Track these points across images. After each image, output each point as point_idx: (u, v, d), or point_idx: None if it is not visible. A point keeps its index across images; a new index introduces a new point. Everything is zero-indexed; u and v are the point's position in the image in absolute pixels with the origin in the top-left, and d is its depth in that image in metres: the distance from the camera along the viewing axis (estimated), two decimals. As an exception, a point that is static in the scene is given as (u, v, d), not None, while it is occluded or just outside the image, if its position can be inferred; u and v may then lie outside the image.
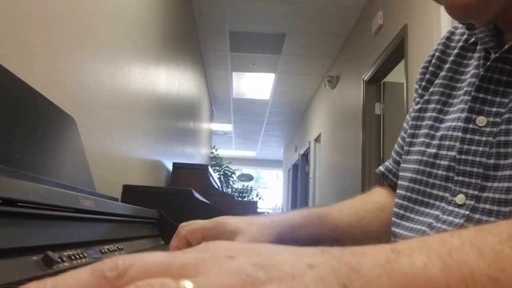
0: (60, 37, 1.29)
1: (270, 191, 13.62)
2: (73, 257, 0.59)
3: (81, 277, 0.20)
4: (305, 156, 7.63)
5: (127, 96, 2.05)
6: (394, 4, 3.28)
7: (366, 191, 0.80)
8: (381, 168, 0.80)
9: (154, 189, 2.10)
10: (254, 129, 9.46)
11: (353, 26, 4.38)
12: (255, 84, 6.47)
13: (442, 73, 0.65)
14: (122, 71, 1.93)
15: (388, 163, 0.79)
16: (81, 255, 0.62)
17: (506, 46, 0.52)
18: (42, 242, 0.54)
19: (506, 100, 0.51)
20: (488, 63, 0.54)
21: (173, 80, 3.37)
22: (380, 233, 0.69)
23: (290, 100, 7.21)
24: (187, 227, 0.66)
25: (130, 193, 1.65)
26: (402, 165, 0.66)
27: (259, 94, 6.90)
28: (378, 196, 0.76)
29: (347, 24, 4.34)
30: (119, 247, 0.83)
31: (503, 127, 0.50)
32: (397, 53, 3.20)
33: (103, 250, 0.74)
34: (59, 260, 0.54)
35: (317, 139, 6.48)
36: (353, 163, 4.12)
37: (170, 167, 3.31)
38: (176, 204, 1.56)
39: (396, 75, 3.58)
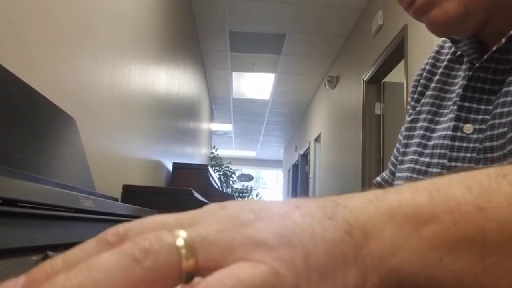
0: (60, 37, 1.29)
1: (270, 191, 13.62)
2: (73, 257, 0.59)
3: (88, 246, 0.21)
4: (305, 156, 7.63)
5: (127, 96, 2.05)
6: (394, 4, 3.28)
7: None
8: (378, 178, 0.83)
9: (154, 189, 2.11)
10: (254, 129, 9.46)
11: (353, 26, 4.38)
12: (255, 84, 6.47)
13: (432, 85, 0.67)
14: (122, 71, 1.93)
15: (385, 173, 0.82)
16: (81, 255, 0.62)
17: (485, 56, 0.54)
18: (42, 242, 0.54)
19: (491, 107, 0.53)
20: (470, 73, 0.56)
21: (173, 80, 3.37)
22: None
23: (290, 100, 7.21)
24: None
25: (130, 193, 1.65)
26: (396, 174, 0.68)
27: (259, 94, 6.90)
28: None
29: (347, 24, 4.34)
30: (119, 247, 0.83)
31: (488, 133, 0.52)
32: (397, 53, 3.20)
33: (103, 250, 0.74)
34: (59, 260, 0.54)
35: (317, 139, 6.48)
36: (353, 163, 4.12)
37: (170, 167, 3.31)
38: (176, 204, 1.56)
39: (396, 75, 3.58)
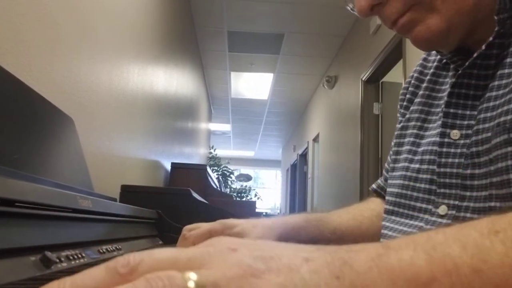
0: (58, 37, 1.29)
1: (268, 191, 13.62)
2: (71, 257, 0.59)
3: (97, 274, 0.22)
4: (304, 156, 7.63)
5: (125, 96, 2.05)
6: (392, 4, 3.28)
7: (365, 191, 0.85)
8: (373, 186, 0.86)
9: (153, 189, 2.10)
10: (252, 129, 9.46)
11: (351, 26, 4.38)
12: (253, 84, 6.47)
13: (420, 92, 0.69)
14: (120, 71, 1.93)
15: (380, 180, 0.84)
16: (79, 255, 0.62)
17: (467, 63, 0.55)
18: (40, 242, 0.54)
19: (476, 113, 0.54)
20: (454, 80, 0.57)
21: (172, 80, 3.37)
22: (378, 238, 0.71)
23: (289, 100, 7.21)
24: (193, 232, 0.68)
25: (129, 193, 1.64)
26: (388, 181, 0.69)
27: (257, 94, 6.90)
28: (375, 204, 0.81)
29: (346, 24, 4.34)
30: (117, 247, 0.83)
31: (473, 138, 0.53)
32: (395, 53, 3.20)
33: (101, 250, 0.73)
34: (57, 260, 0.54)
35: (315, 139, 6.49)
36: (351, 163, 4.12)
37: (169, 167, 3.30)
38: (175, 204, 1.56)
39: (394, 75, 3.58)
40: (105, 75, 1.72)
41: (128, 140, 2.16)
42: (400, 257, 0.24)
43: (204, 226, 0.69)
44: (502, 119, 0.48)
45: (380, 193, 0.82)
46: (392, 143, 0.74)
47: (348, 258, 0.24)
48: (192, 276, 0.21)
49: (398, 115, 0.75)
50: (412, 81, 0.73)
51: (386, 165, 0.80)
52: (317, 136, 6.28)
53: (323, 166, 5.82)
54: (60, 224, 0.63)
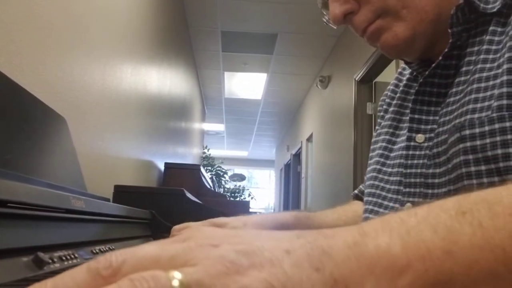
0: (50, 37, 1.28)
1: (262, 191, 13.62)
2: (64, 258, 0.59)
3: (78, 276, 0.21)
4: (297, 155, 7.64)
5: (119, 96, 2.04)
6: (385, 4, 3.29)
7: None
8: (355, 191, 0.92)
9: (146, 189, 2.10)
10: (246, 129, 9.45)
11: (345, 26, 4.39)
12: (247, 84, 6.46)
13: (394, 102, 0.75)
14: (113, 70, 1.92)
15: (362, 186, 0.90)
16: (72, 256, 0.62)
17: (427, 72, 0.60)
18: (32, 243, 0.54)
19: (437, 118, 0.59)
20: (417, 88, 0.62)
21: (165, 80, 3.36)
22: None
23: (282, 100, 7.21)
24: (183, 231, 0.69)
25: (122, 193, 1.64)
26: (366, 183, 0.75)
27: (251, 94, 6.90)
28: (357, 206, 0.86)
29: (339, 24, 4.35)
30: (111, 248, 0.82)
31: (435, 140, 0.58)
32: (388, 53, 3.21)
33: (94, 251, 0.73)
34: (50, 261, 0.54)
35: (309, 139, 6.50)
36: (345, 163, 4.13)
37: (162, 167, 3.29)
38: (168, 204, 1.55)
39: (387, 75, 3.60)
40: (98, 74, 1.71)
41: (122, 140, 2.15)
42: (377, 243, 0.25)
43: (193, 226, 0.70)
44: (456, 121, 0.53)
45: (361, 198, 0.86)
46: (370, 150, 0.79)
47: (326, 247, 0.25)
48: (177, 275, 0.21)
49: (377, 125, 0.81)
50: (389, 93, 0.79)
51: (366, 171, 0.85)
52: (311, 136, 6.30)
53: (316, 166, 5.84)
54: (53, 224, 0.63)
